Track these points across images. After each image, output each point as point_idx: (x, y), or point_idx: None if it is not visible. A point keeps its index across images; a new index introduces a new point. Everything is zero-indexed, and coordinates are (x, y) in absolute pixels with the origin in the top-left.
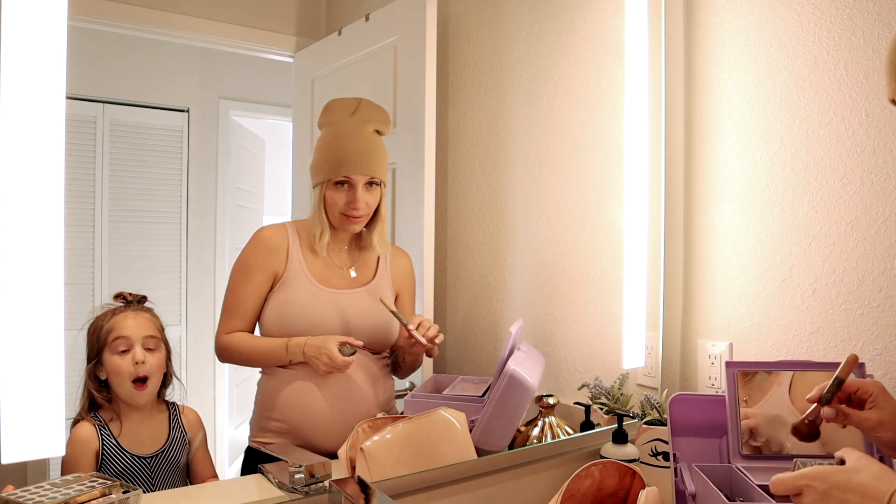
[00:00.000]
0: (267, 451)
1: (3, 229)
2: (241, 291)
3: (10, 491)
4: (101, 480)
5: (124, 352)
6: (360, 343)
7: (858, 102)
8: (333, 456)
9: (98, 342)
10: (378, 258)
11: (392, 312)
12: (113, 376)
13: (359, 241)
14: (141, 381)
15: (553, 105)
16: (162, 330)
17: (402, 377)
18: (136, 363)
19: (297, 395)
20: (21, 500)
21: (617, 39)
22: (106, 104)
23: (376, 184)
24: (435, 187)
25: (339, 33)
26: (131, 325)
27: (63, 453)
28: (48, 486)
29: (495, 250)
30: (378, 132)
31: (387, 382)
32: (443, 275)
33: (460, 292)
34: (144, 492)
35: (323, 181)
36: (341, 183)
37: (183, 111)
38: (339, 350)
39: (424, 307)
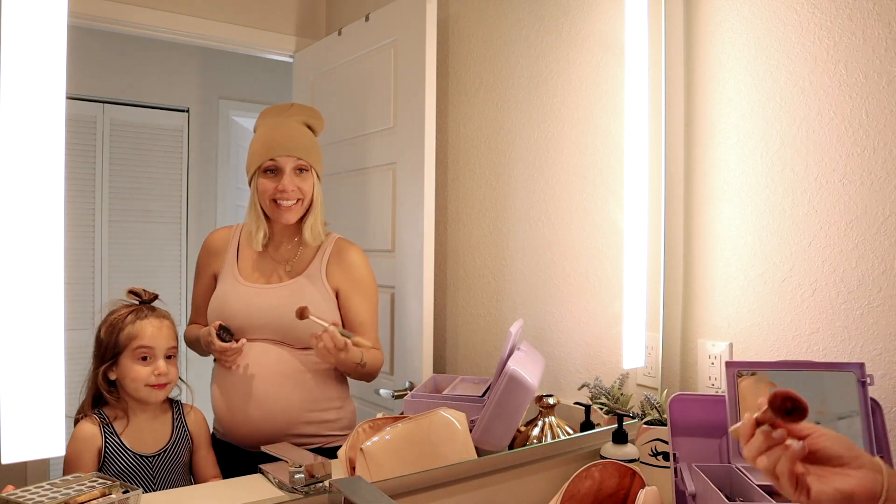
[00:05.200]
0: (265, 451)
1: (3, 229)
2: (195, 290)
3: (10, 491)
4: (101, 480)
5: (145, 359)
6: (217, 325)
7: (858, 102)
8: (257, 449)
9: (116, 345)
10: (316, 253)
11: (312, 319)
12: (128, 381)
13: (299, 234)
14: (160, 384)
15: (553, 105)
16: (178, 336)
17: (360, 379)
18: (158, 374)
19: (219, 385)
20: (21, 500)
21: (617, 39)
22: (106, 104)
23: (305, 169)
24: (435, 187)
25: (339, 33)
26: (156, 336)
27: (63, 453)
28: (48, 486)
29: (495, 250)
30: (309, 127)
31: (321, 378)
32: (443, 275)
33: (460, 292)
34: (146, 491)
35: (254, 172)
36: (270, 170)
37: (183, 111)
38: (218, 335)
39: (424, 307)
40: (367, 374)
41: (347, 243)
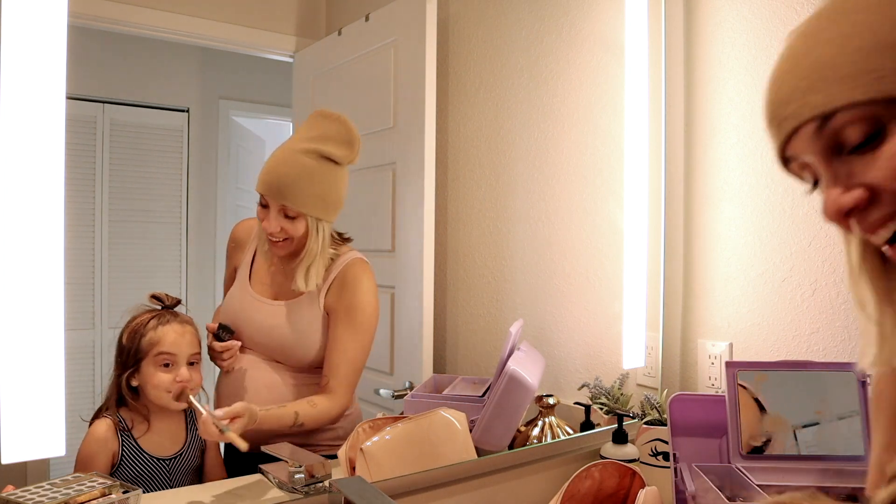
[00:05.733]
0: (265, 451)
1: (3, 229)
2: (224, 277)
3: (10, 491)
4: (100, 480)
5: (167, 366)
6: (212, 327)
7: None
8: (257, 449)
9: (138, 351)
10: (325, 272)
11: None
12: (150, 388)
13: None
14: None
15: (553, 105)
16: (201, 342)
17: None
18: (180, 381)
19: (217, 391)
20: (21, 500)
21: (617, 39)
22: (106, 104)
23: (293, 215)
24: (435, 187)
25: (339, 33)
26: (178, 342)
27: (63, 453)
28: (48, 486)
29: (495, 250)
30: (328, 158)
31: (310, 390)
32: (443, 275)
33: (460, 292)
34: None
35: None
36: (262, 203)
37: (183, 111)
38: (216, 335)
39: (424, 307)
40: (315, 427)
41: (360, 268)
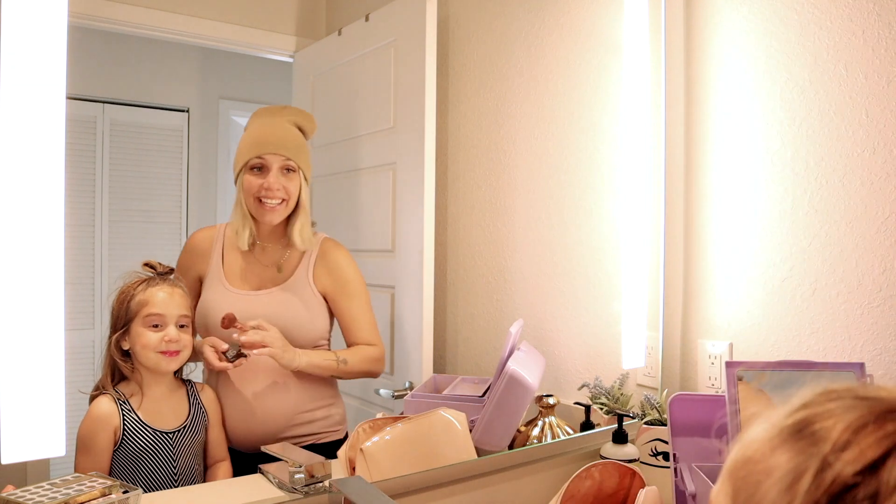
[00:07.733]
0: (265, 451)
1: (3, 229)
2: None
3: (10, 491)
4: (100, 480)
5: (156, 326)
6: (234, 341)
7: (858, 102)
8: (257, 450)
9: (127, 313)
10: (302, 256)
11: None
12: (139, 348)
13: (286, 237)
14: (171, 352)
15: (553, 105)
16: (192, 307)
17: (358, 377)
18: (168, 341)
19: (220, 391)
20: (21, 500)
21: (617, 39)
22: (106, 104)
23: (293, 170)
24: (435, 187)
25: (339, 33)
26: (167, 303)
27: (63, 453)
28: (48, 486)
29: (495, 250)
30: (300, 129)
31: (308, 382)
32: (443, 275)
33: (460, 292)
34: (167, 468)
35: (240, 168)
36: (257, 167)
37: (183, 111)
38: (225, 354)
39: (424, 307)
40: (360, 372)
41: (333, 244)
